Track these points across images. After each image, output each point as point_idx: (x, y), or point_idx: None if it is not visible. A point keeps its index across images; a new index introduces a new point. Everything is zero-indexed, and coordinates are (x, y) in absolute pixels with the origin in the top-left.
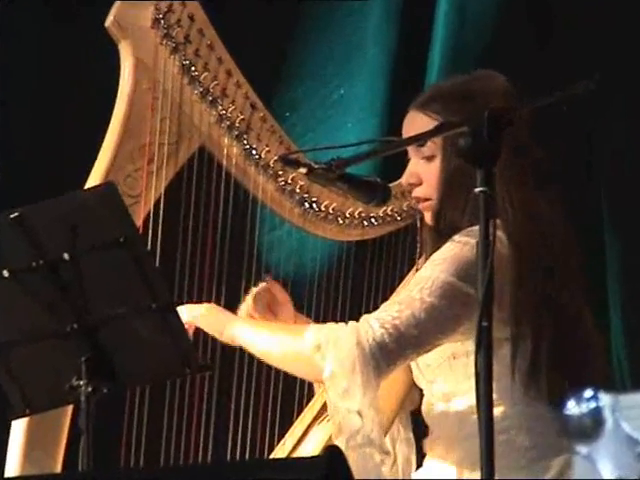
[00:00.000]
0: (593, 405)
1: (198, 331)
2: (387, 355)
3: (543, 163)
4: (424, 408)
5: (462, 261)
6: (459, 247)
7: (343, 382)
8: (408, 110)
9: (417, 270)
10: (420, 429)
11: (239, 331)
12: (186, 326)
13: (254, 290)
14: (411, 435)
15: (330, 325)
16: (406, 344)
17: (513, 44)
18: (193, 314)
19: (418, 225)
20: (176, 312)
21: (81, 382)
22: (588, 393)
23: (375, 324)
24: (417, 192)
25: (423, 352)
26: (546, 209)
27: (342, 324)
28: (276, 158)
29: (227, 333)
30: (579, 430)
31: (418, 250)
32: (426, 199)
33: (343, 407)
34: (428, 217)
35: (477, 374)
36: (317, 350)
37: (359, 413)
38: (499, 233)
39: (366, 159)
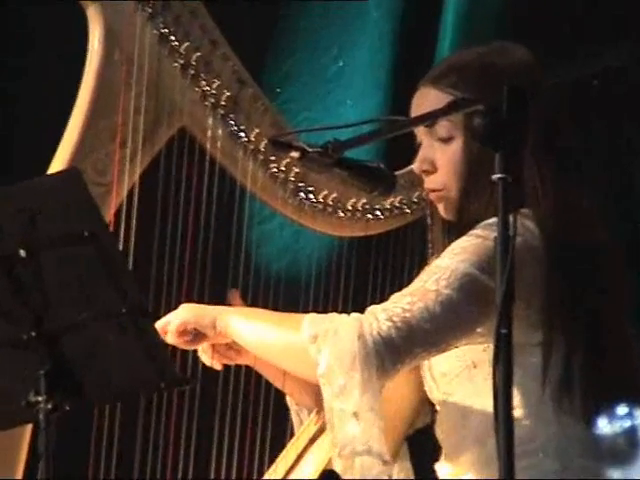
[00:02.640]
0: (628, 424)
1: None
2: (393, 352)
3: (580, 145)
4: (437, 427)
5: (485, 252)
6: (480, 240)
7: (339, 379)
8: (418, 87)
9: None
10: (430, 448)
11: (232, 320)
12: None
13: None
14: (409, 465)
15: (332, 315)
16: (416, 341)
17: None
18: (174, 314)
19: (429, 219)
20: (149, 317)
21: (40, 398)
22: (622, 410)
23: (382, 316)
24: (430, 181)
25: (435, 352)
26: (583, 197)
27: (344, 315)
28: (267, 141)
29: (219, 324)
30: (612, 452)
31: (430, 249)
32: (440, 189)
33: (337, 408)
34: (442, 209)
35: (495, 389)
36: (313, 341)
37: (355, 415)
38: (529, 223)
39: (368, 141)
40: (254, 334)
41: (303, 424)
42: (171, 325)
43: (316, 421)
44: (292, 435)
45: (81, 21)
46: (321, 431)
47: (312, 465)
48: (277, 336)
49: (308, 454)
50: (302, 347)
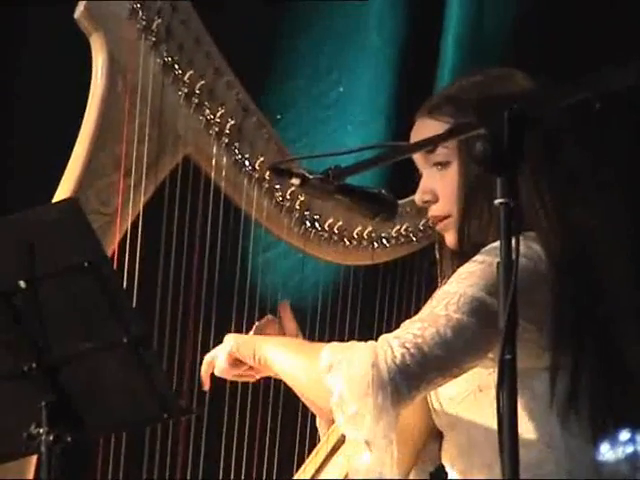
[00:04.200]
0: (631, 449)
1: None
2: (409, 379)
3: (585, 166)
4: (444, 453)
5: (492, 276)
6: (486, 265)
7: (352, 406)
8: (415, 119)
9: None
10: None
11: (269, 351)
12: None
13: (256, 325)
14: None
15: (349, 343)
16: (430, 366)
17: (536, 31)
18: (222, 346)
19: (437, 251)
20: (151, 348)
21: (41, 430)
22: (625, 435)
23: (395, 343)
24: (434, 210)
25: (450, 377)
26: (590, 219)
27: (362, 343)
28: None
29: (258, 353)
30: (614, 477)
31: (440, 279)
32: (445, 217)
33: (350, 436)
34: (450, 239)
35: (500, 415)
36: (328, 371)
37: (367, 444)
38: (536, 246)
39: (369, 167)
40: (287, 365)
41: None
42: (220, 358)
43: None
44: (301, 456)
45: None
46: (342, 441)
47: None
48: (304, 368)
49: (328, 466)
50: (318, 378)
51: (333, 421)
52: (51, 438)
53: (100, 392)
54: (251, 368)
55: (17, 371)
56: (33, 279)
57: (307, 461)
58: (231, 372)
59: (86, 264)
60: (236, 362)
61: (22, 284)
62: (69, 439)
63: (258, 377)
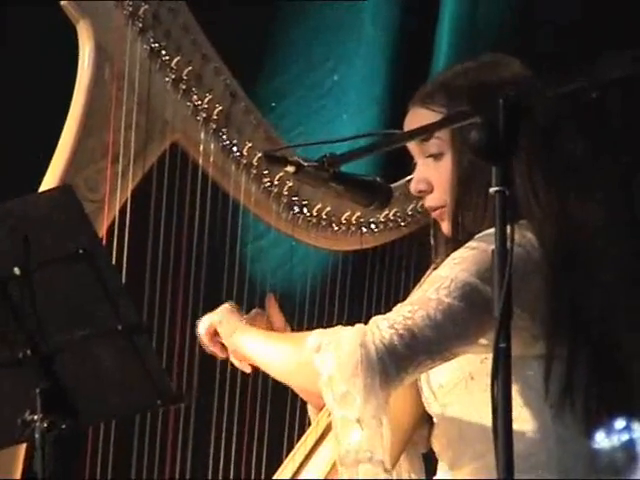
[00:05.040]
0: (626, 438)
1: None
2: (397, 360)
3: (579, 154)
4: (434, 440)
5: (485, 262)
6: (479, 251)
7: (341, 386)
8: (408, 107)
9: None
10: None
11: (245, 341)
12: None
13: (244, 317)
14: None
15: (336, 328)
16: (419, 348)
17: (531, 21)
18: (213, 318)
19: (432, 237)
20: (145, 334)
21: (35, 417)
22: (620, 424)
23: (384, 324)
24: (429, 200)
25: (439, 360)
26: (583, 208)
27: (349, 327)
28: (260, 156)
29: (235, 340)
30: (612, 466)
31: (433, 263)
32: (441, 206)
33: (339, 415)
34: (445, 227)
35: (494, 404)
36: (317, 351)
37: (359, 422)
38: (530, 235)
39: (364, 155)
40: (266, 354)
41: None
42: (204, 323)
43: (328, 416)
44: (289, 448)
45: (72, 38)
46: (330, 428)
47: (321, 464)
48: (287, 353)
49: (318, 451)
50: (306, 361)
51: (322, 407)
52: (45, 425)
53: (94, 379)
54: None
55: (12, 358)
56: (27, 267)
57: (296, 447)
58: (210, 343)
59: (80, 251)
60: (215, 333)
61: (17, 271)
62: (63, 426)
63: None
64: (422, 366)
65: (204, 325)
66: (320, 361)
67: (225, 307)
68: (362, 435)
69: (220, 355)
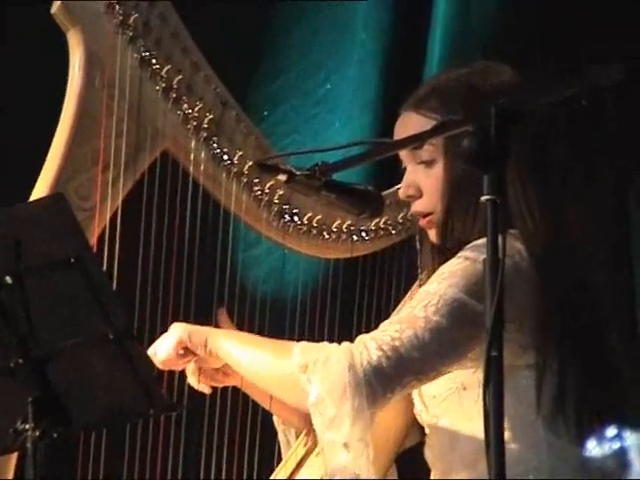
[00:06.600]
0: (617, 445)
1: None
2: (384, 381)
3: (570, 162)
4: (427, 450)
5: (474, 275)
6: (469, 263)
7: (330, 409)
8: (400, 111)
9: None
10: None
11: (224, 343)
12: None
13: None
14: None
15: (321, 344)
16: (406, 370)
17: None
18: (168, 334)
19: (418, 243)
20: (136, 342)
21: (27, 426)
22: (611, 432)
23: (371, 345)
24: (417, 206)
25: (426, 380)
26: (574, 217)
27: (335, 344)
28: (251, 164)
29: (211, 344)
30: (603, 474)
31: (419, 273)
32: (428, 213)
33: (328, 439)
34: (432, 235)
35: (486, 413)
36: (303, 371)
37: (345, 446)
38: (519, 245)
39: (356, 164)
40: (246, 359)
41: (290, 444)
42: (167, 345)
43: (305, 443)
44: (280, 456)
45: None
46: (309, 453)
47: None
48: (269, 363)
49: (297, 476)
50: (293, 376)
51: (290, 420)
52: (37, 434)
53: (86, 387)
54: (199, 358)
55: (3, 367)
56: (19, 275)
57: (285, 458)
58: (178, 362)
59: (72, 260)
60: (185, 351)
61: (8, 279)
62: (55, 435)
63: (215, 384)
64: (409, 386)
65: (166, 349)
66: (307, 382)
67: (177, 324)
68: (348, 458)
69: (195, 376)
